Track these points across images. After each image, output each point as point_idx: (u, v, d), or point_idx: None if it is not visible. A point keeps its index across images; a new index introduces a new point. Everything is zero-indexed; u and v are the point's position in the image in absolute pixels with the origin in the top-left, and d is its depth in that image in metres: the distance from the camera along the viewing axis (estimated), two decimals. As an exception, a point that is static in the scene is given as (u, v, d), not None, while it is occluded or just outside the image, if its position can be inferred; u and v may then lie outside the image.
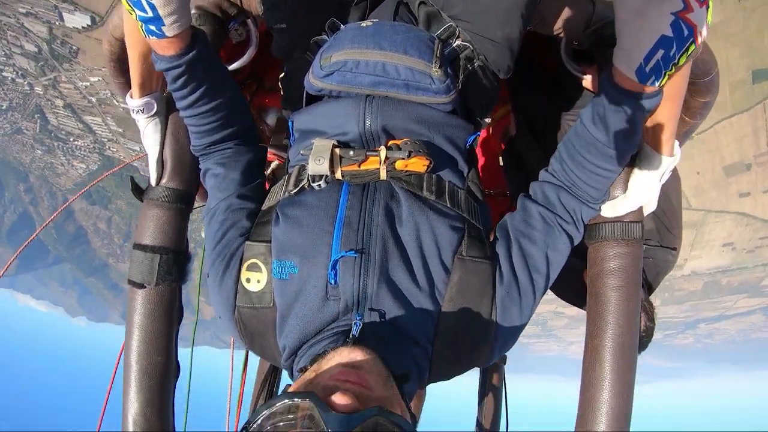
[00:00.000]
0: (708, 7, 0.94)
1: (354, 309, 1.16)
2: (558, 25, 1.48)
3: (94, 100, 58.36)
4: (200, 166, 1.45)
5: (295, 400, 0.88)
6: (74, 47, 52.18)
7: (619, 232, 1.34)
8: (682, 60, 1.00)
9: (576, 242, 1.32)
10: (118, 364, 1.61)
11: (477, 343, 1.23)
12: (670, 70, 1.02)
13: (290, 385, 1.08)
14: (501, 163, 2.36)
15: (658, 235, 2.15)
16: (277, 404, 0.89)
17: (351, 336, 1.12)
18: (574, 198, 1.30)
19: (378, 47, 1.26)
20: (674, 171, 1.97)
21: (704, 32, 0.97)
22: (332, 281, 1.16)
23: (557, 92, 1.91)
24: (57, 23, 47.65)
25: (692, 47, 0.98)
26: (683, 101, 1.21)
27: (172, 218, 1.47)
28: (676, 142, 1.31)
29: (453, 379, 1.32)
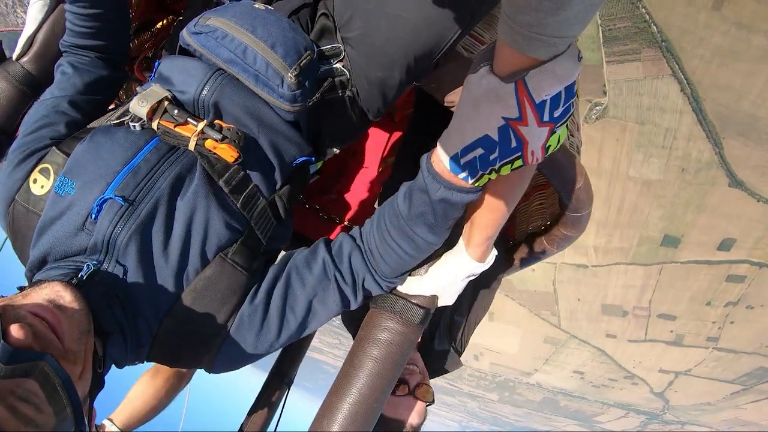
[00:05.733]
0: (553, 132, 0.92)
1: (101, 252, 1.13)
2: (450, 98, 1.46)
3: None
4: (59, 60, 1.43)
5: None
6: None
7: (399, 308, 1.33)
8: (505, 170, 0.99)
9: (350, 307, 1.30)
10: None
11: (201, 344, 1.19)
12: (489, 174, 1.00)
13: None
14: (376, 206, 2.38)
15: (459, 338, 2.15)
16: None
17: (78, 277, 1.08)
18: (363, 263, 1.28)
19: (251, 30, 1.24)
20: (492, 292, 2.02)
21: (538, 154, 0.95)
22: (93, 216, 1.14)
23: None
24: None
25: (519, 162, 0.97)
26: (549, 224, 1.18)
27: (14, 97, 1.48)
28: (494, 252, 1.31)
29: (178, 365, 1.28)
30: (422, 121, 2.09)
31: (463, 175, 1.02)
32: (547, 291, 24.72)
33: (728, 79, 13.90)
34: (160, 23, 2.11)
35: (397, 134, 2.48)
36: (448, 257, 1.31)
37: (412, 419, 1.74)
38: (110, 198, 1.13)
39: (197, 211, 1.17)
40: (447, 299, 1.36)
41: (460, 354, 2.13)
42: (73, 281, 1.05)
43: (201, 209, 1.17)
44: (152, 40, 2.07)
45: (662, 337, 25.53)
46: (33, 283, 1.03)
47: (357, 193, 2.54)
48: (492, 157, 0.96)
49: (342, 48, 1.36)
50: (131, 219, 1.13)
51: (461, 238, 1.29)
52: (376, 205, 2.39)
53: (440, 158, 1.04)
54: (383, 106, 1.41)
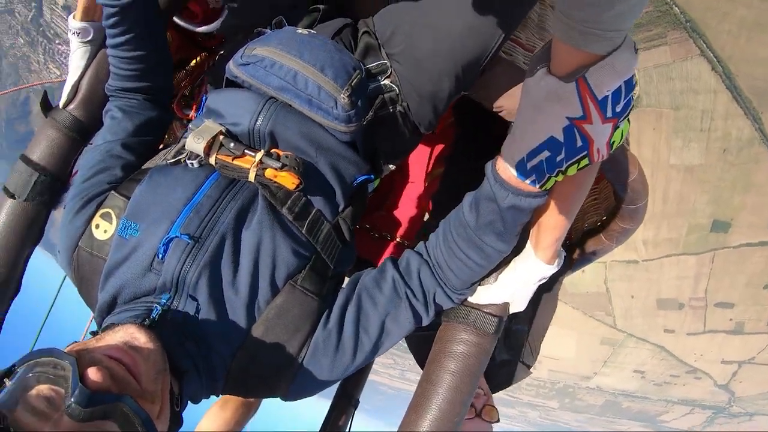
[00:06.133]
0: (617, 128, 0.91)
1: (170, 291, 1.15)
2: (499, 103, 1.48)
3: (96, 13, 56.50)
4: (106, 105, 1.46)
5: (61, 359, 0.86)
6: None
7: (473, 319, 1.31)
8: (572, 170, 0.97)
9: (423, 323, 1.29)
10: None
11: (276, 374, 1.19)
12: (556, 176, 0.99)
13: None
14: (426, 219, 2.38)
15: (521, 351, 2.11)
16: (45, 356, 0.87)
17: (150, 318, 1.10)
18: (433, 278, 1.27)
19: (298, 56, 1.26)
20: (555, 295, 1.98)
21: (603, 151, 0.94)
22: (160, 256, 1.15)
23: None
24: None
25: (585, 161, 0.95)
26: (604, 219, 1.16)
27: (65, 144, 1.49)
28: (563, 253, 1.29)
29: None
30: (468, 130, 2.09)
31: (531, 179, 1.01)
32: (599, 291, 23.99)
33: (759, 52, 13.38)
34: (194, 61, 2.18)
35: (439, 147, 2.48)
36: (517, 263, 1.29)
37: None
38: (176, 237, 1.15)
39: (263, 241, 1.18)
40: (518, 305, 1.35)
41: (530, 366, 2.10)
42: (145, 322, 1.08)
43: (267, 239, 1.18)
44: (188, 78, 2.12)
45: (722, 326, 24.41)
46: (105, 327, 1.06)
47: (405, 208, 2.54)
48: (558, 158, 0.94)
49: (388, 64, 1.39)
50: (199, 256, 1.14)
51: (528, 243, 1.27)
52: (425, 219, 2.39)
53: (506, 165, 1.03)
54: (435, 119, 1.42)
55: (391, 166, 1.52)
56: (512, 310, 1.36)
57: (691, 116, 15.31)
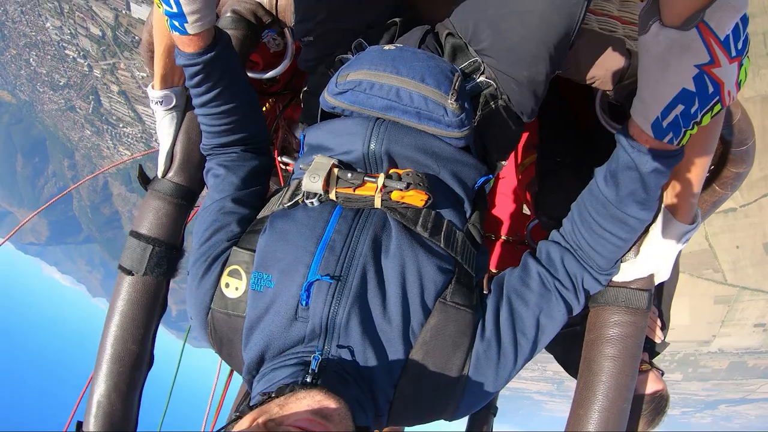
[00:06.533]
0: (741, 66, 0.87)
1: (321, 336, 1.12)
2: (591, 74, 1.43)
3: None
4: (205, 165, 1.46)
5: None
6: (137, 37, 54.20)
7: (623, 298, 1.27)
8: (706, 119, 0.93)
9: (575, 312, 1.24)
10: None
11: (442, 395, 1.15)
12: (692, 129, 0.95)
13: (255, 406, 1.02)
14: (525, 211, 2.33)
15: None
16: None
17: (311, 370, 1.06)
18: (578, 263, 1.22)
19: (395, 72, 1.22)
20: (677, 261, 1.87)
21: (734, 92, 0.91)
22: (303, 303, 1.12)
23: (590, 147, 1.85)
24: (124, 12, 49.76)
25: (718, 107, 0.91)
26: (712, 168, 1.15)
27: (172, 212, 1.49)
28: (698, 210, 1.24)
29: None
30: (547, 112, 2.04)
31: (668, 138, 0.97)
32: (702, 249, 22.96)
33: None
34: (264, 108, 2.24)
35: (524, 135, 2.42)
36: (655, 231, 1.24)
37: (655, 387, 1.67)
38: (317, 279, 1.12)
39: (407, 264, 1.15)
40: (663, 275, 1.30)
41: (663, 337, 2.01)
42: (306, 379, 1.04)
43: (410, 261, 1.15)
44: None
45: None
46: (280, 390, 1.02)
47: (503, 205, 2.50)
48: (693, 109, 0.92)
49: (480, 61, 1.35)
50: (344, 294, 1.11)
51: (663, 207, 1.22)
52: (525, 211, 2.33)
53: (641, 129, 0.99)
54: (536, 105, 1.38)
55: (504, 163, 1.49)
56: (657, 280, 1.31)
57: (753, 42, 14.30)
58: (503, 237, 2.42)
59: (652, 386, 1.65)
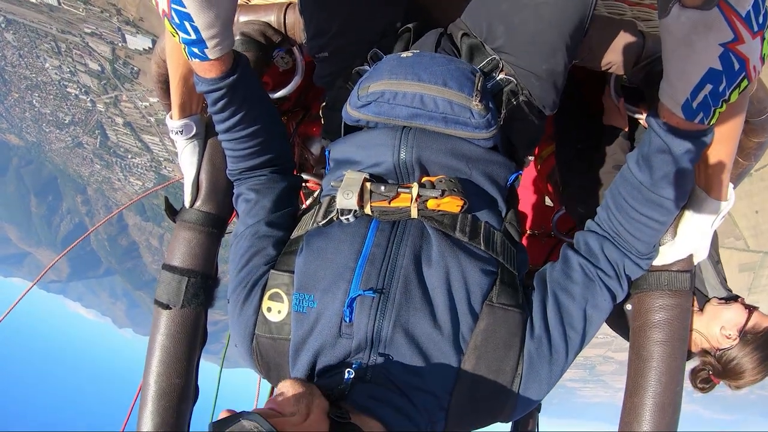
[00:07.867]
0: (763, 39, 0.88)
1: (366, 349, 1.10)
2: (606, 60, 1.42)
3: (152, 120, 60.93)
4: (234, 191, 1.44)
5: None
6: (135, 68, 54.98)
7: (665, 281, 1.26)
8: (734, 96, 0.94)
9: (619, 300, 1.23)
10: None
11: (498, 398, 1.14)
12: (720, 107, 0.95)
13: None
14: (547, 203, 2.31)
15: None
16: None
17: (343, 383, 1.05)
18: (618, 250, 1.21)
19: (416, 78, 1.21)
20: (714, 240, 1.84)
21: (759, 67, 0.91)
22: (347, 319, 1.10)
23: (603, 132, 1.84)
24: (120, 44, 50.47)
25: (745, 83, 0.92)
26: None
27: (203, 241, 1.46)
28: (731, 186, 1.24)
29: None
30: (568, 99, 2.02)
31: (699, 118, 0.97)
32: None
33: None
34: None
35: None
36: (690, 211, 1.25)
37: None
38: (359, 294, 1.10)
39: (451, 270, 1.14)
40: (702, 254, 1.30)
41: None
42: (334, 392, 1.02)
43: (454, 268, 1.14)
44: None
45: None
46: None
47: (525, 199, 2.49)
48: (721, 87, 0.92)
49: (498, 58, 1.35)
50: (388, 307, 1.10)
51: (696, 186, 1.23)
52: (547, 203, 2.32)
53: (672, 111, 0.99)
54: (557, 97, 1.37)
55: (530, 158, 1.48)
56: (696, 260, 1.31)
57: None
58: (528, 231, 2.41)
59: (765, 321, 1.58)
